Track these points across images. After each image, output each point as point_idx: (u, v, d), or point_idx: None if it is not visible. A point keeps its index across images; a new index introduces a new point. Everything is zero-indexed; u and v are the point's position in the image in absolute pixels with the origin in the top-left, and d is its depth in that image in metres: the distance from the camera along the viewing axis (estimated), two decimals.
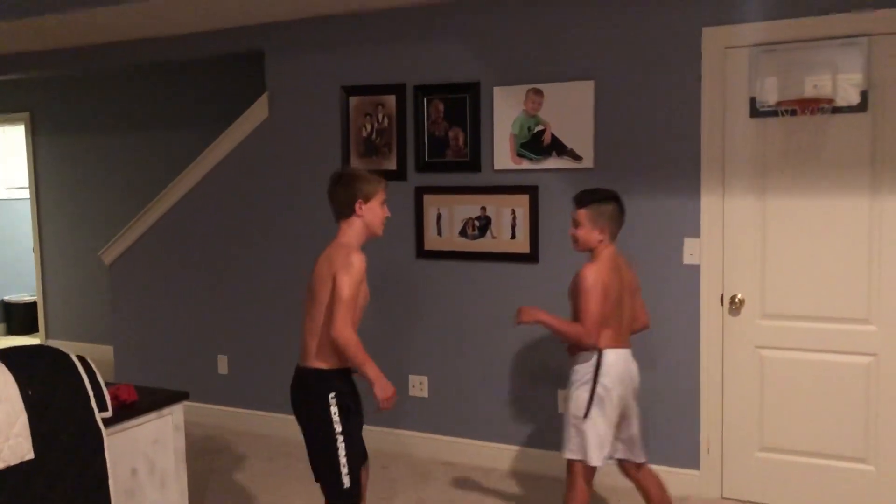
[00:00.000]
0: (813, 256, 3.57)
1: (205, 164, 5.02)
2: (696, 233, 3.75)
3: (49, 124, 7.08)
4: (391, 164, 4.39)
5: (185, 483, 3.17)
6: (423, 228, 4.34)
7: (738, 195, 3.66)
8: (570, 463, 3.04)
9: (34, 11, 4.38)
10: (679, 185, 3.76)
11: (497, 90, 4.08)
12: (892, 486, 3.51)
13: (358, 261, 2.77)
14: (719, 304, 3.73)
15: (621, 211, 3.03)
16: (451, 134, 4.23)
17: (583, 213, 2.99)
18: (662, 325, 3.84)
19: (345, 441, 2.78)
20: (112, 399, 2.76)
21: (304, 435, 2.90)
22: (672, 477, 3.87)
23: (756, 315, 3.68)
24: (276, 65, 4.71)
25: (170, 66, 6.09)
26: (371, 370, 2.75)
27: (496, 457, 4.27)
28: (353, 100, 4.47)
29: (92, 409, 2.48)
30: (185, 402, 3.19)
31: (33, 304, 7.69)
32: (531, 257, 4.07)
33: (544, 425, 4.14)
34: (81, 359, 2.55)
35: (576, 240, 3.03)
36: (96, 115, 6.81)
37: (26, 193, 7.49)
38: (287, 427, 2.92)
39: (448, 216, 4.27)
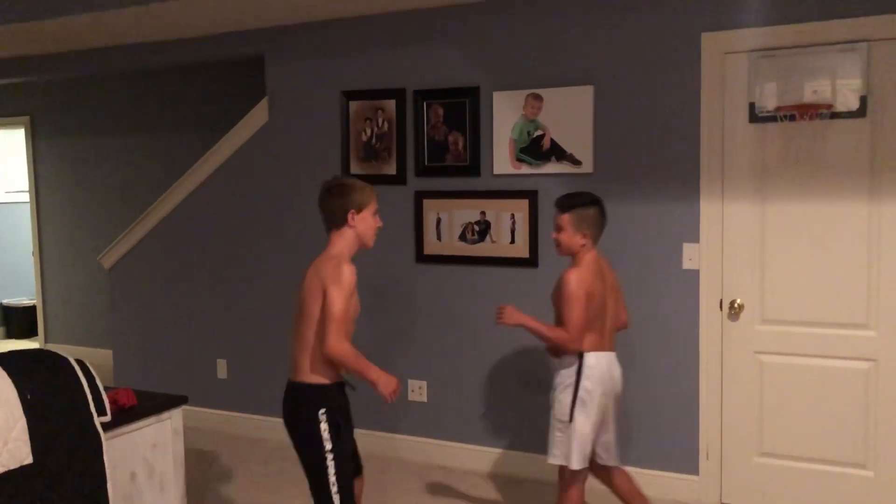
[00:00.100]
0: (812, 262, 3.57)
1: (205, 168, 5.02)
2: (695, 238, 3.75)
3: (49, 128, 7.09)
4: (391, 169, 4.39)
5: (183, 487, 3.17)
6: (423, 233, 4.34)
7: (738, 200, 3.67)
8: (562, 467, 3.06)
9: (34, 15, 4.38)
10: (678, 190, 3.76)
11: (496, 95, 4.09)
12: (891, 492, 3.50)
13: (348, 273, 2.71)
14: (718, 309, 3.73)
15: (603, 214, 3.06)
16: (450, 138, 4.24)
17: (566, 218, 3.01)
18: (661, 330, 3.84)
19: (334, 459, 2.72)
20: (111, 403, 2.76)
21: (296, 450, 2.84)
22: (671, 482, 3.87)
23: (755, 320, 3.69)
24: (277, 69, 4.72)
25: (170, 69, 6.10)
26: (371, 373, 2.73)
27: (495, 462, 4.27)
28: (353, 104, 4.48)
29: (91, 414, 2.47)
30: (185, 407, 3.18)
31: (32, 308, 7.69)
32: (530, 262, 4.07)
33: (544, 430, 4.12)
34: (80, 363, 2.55)
35: (559, 244, 3.06)
36: (96, 118, 6.82)
37: (26, 197, 7.49)
38: (285, 431, 2.92)
39: (447, 221, 4.27)
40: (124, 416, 2.88)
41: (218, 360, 5.09)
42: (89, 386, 2.50)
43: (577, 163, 3.93)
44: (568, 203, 3.03)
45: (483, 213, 4.18)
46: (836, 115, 3.45)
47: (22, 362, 2.39)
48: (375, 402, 4.51)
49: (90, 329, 6.97)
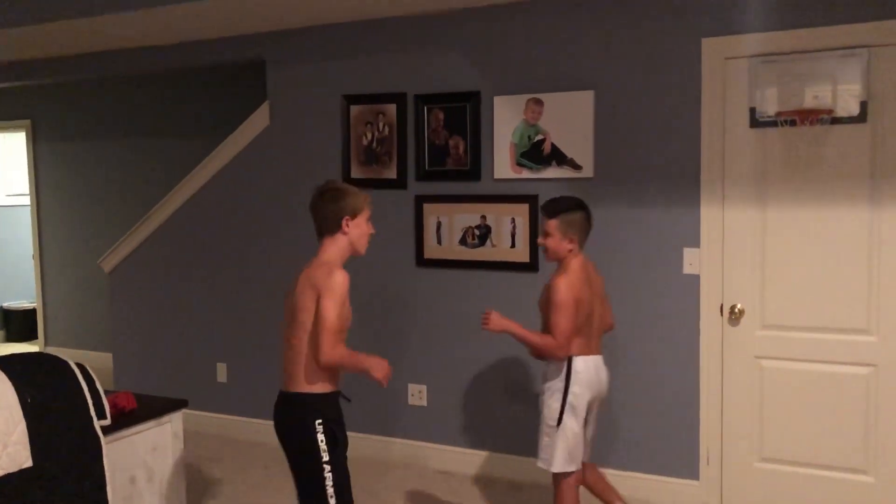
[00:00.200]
0: (813, 266, 3.57)
1: (205, 172, 5.02)
2: (695, 243, 3.75)
3: (50, 132, 7.09)
4: (391, 173, 4.40)
5: (183, 491, 3.17)
6: (423, 237, 4.34)
7: (738, 205, 3.67)
8: (554, 473, 3.07)
9: (35, 19, 4.39)
10: (679, 195, 3.76)
11: (497, 99, 4.09)
12: (892, 498, 3.50)
13: (341, 280, 2.64)
14: (719, 314, 3.73)
15: (589, 219, 3.07)
16: (451, 143, 4.24)
17: (553, 224, 3.01)
18: (662, 335, 3.84)
19: (332, 470, 2.66)
20: (111, 407, 2.76)
21: (290, 463, 2.78)
22: (671, 487, 3.86)
23: (756, 325, 3.68)
24: (277, 73, 4.73)
25: (171, 74, 6.10)
26: (364, 363, 2.69)
27: (496, 466, 4.26)
28: (354, 108, 4.49)
29: (91, 417, 2.48)
30: (184, 410, 3.19)
31: (32, 311, 7.69)
32: (531, 266, 4.07)
33: None
34: (80, 366, 2.55)
35: (546, 249, 3.06)
36: (97, 122, 6.82)
37: (27, 200, 7.50)
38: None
39: (448, 225, 4.27)
40: (124, 419, 2.88)
41: (218, 364, 5.08)
42: (89, 389, 2.51)
43: (577, 167, 3.94)
44: (554, 209, 3.03)
45: (483, 217, 4.18)
46: (836, 121, 3.46)
47: (22, 365, 2.39)
48: (375, 405, 4.53)
49: (90, 332, 6.97)
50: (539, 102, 4.00)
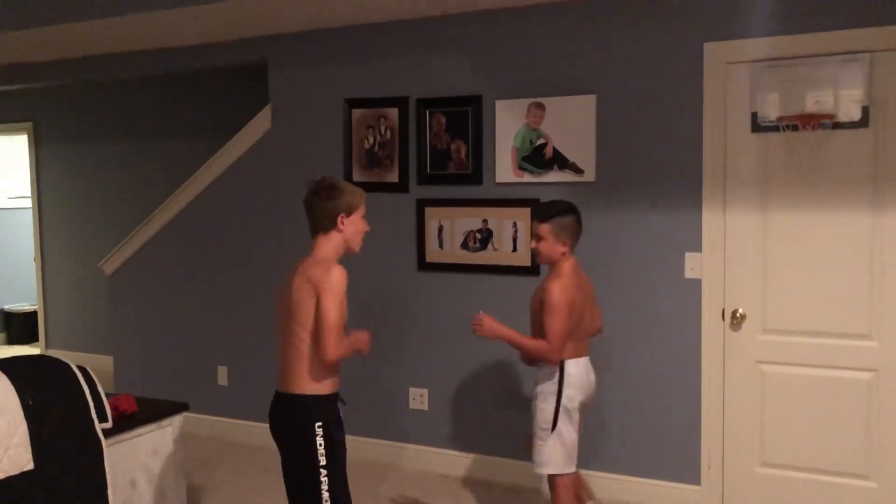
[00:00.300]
0: (814, 271, 3.57)
1: (207, 175, 5.03)
2: (697, 247, 3.75)
3: (52, 134, 7.10)
4: (393, 177, 4.40)
5: (184, 494, 3.17)
6: (425, 241, 4.34)
7: (740, 210, 3.67)
8: (550, 477, 3.09)
9: (36, 22, 4.40)
10: (680, 200, 3.76)
11: (499, 103, 4.09)
12: (893, 503, 3.49)
13: (339, 277, 2.62)
14: (720, 318, 3.73)
15: (580, 222, 3.09)
16: (453, 147, 4.24)
17: (546, 228, 3.02)
18: (663, 339, 3.84)
19: (328, 475, 2.63)
20: (112, 410, 2.76)
21: (284, 465, 2.74)
22: (672, 492, 3.86)
23: (757, 330, 3.68)
24: (280, 76, 4.73)
25: (173, 76, 6.11)
26: (355, 346, 2.70)
27: (497, 471, 4.26)
28: (356, 112, 4.49)
29: (92, 420, 2.48)
30: (185, 413, 3.19)
31: (33, 314, 7.69)
32: (532, 270, 4.07)
33: None
34: (82, 369, 2.55)
35: (539, 253, 3.07)
36: (99, 125, 6.83)
37: (28, 203, 7.50)
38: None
39: (449, 229, 4.27)
40: (125, 422, 2.88)
41: (219, 367, 5.08)
42: (91, 392, 2.51)
43: (579, 171, 3.94)
44: (546, 213, 3.05)
45: (485, 221, 4.18)
46: (838, 126, 3.46)
47: (24, 368, 2.39)
48: (376, 409, 4.53)
49: (91, 335, 6.97)
50: (541, 107, 4.00)
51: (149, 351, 5.35)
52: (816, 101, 3.43)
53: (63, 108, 6.99)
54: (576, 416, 3.05)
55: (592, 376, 3.14)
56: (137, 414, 2.98)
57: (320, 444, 2.63)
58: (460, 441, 4.37)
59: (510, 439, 4.22)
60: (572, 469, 3.06)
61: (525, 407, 4.14)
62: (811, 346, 3.59)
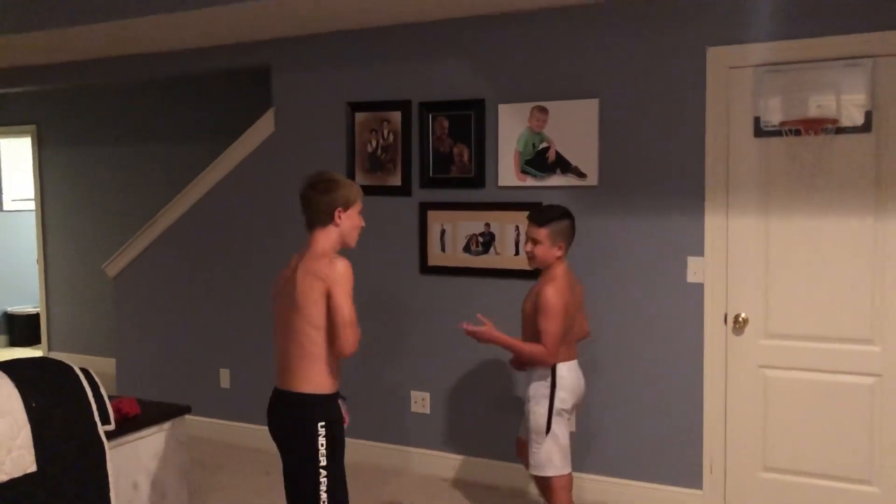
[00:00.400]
0: (817, 276, 3.56)
1: (210, 178, 5.04)
2: (699, 251, 3.75)
3: (55, 137, 7.12)
4: (396, 180, 4.40)
5: (185, 497, 3.17)
6: (427, 244, 4.34)
7: (742, 214, 3.67)
8: (545, 479, 3.11)
9: (41, 25, 4.41)
10: (683, 204, 3.76)
11: (502, 107, 4.10)
12: None
13: (346, 269, 2.59)
14: (723, 322, 3.73)
15: (574, 227, 3.14)
16: (455, 150, 4.25)
17: (543, 232, 3.07)
18: (665, 344, 3.84)
19: (328, 476, 2.61)
20: (115, 412, 2.76)
21: (285, 463, 2.73)
22: (674, 496, 3.85)
23: (759, 334, 3.68)
24: (283, 80, 4.74)
25: (176, 79, 6.12)
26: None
27: (499, 474, 4.25)
28: (359, 115, 4.50)
29: (95, 422, 2.48)
30: (187, 416, 3.19)
31: (36, 316, 7.70)
32: (534, 274, 4.05)
33: None
34: (85, 371, 2.56)
35: (534, 257, 3.12)
36: (102, 128, 6.84)
37: (32, 205, 7.52)
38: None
39: (452, 232, 4.28)
40: (128, 425, 2.88)
41: (221, 370, 5.08)
42: (94, 395, 2.51)
43: (582, 175, 3.94)
44: (543, 217, 3.10)
45: (487, 224, 4.18)
46: (840, 130, 3.46)
47: (27, 370, 2.40)
48: (377, 413, 4.53)
49: (93, 337, 6.98)
50: (544, 110, 4.00)
51: (151, 353, 5.36)
52: (819, 105, 3.44)
53: (66, 111, 7.01)
54: (566, 417, 3.10)
55: (582, 379, 3.18)
56: (140, 416, 2.98)
57: (322, 445, 2.61)
58: (462, 444, 4.37)
59: (513, 443, 4.22)
60: (568, 470, 3.11)
61: None
62: (814, 350, 3.58)
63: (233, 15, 4.12)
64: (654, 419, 3.89)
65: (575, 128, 3.94)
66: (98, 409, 2.50)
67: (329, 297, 2.57)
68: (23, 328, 7.88)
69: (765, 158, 3.62)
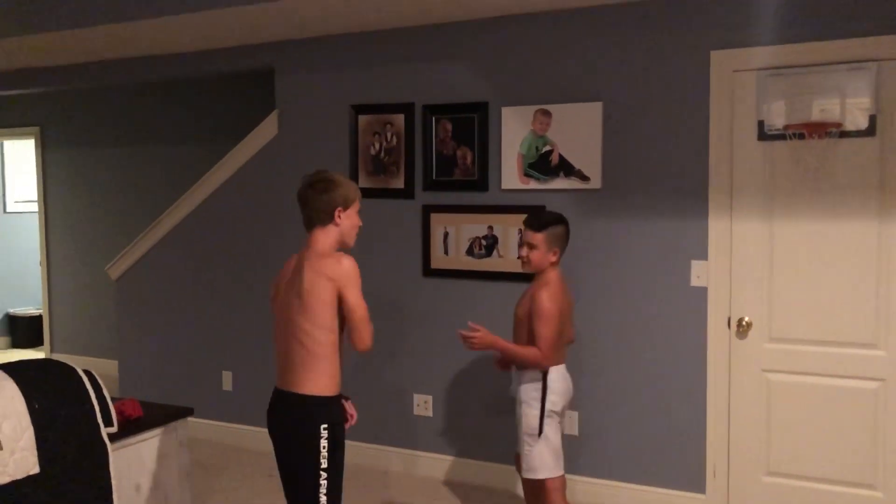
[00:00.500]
0: (820, 280, 3.56)
1: (213, 181, 5.04)
2: (703, 255, 3.74)
3: (58, 139, 7.13)
4: (399, 183, 4.40)
5: (188, 499, 3.16)
6: (430, 247, 4.34)
7: (746, 218, 3.66)
8: (538, 482, 3.13)
9: (44, 28, 4.42)
10: (686, 208, 3.76)
11: (505, 110, 4.10)
12: None
13: (353, 266, 2.61)
14: (726, 326, 3.72)
15: (569, 233, 3.19)
16: (458, 153, 4.25)
17: (540, 237, 3.11)
18: (669, 347, 3.83)
19: (328, 478, 2.61)
20: (118, 414, 2.76)
21: (283, 464, 2.72)
22: (677, 500, 3.84)
23: (763, 338, 3.67)
24: (286, 82, 4.75)
25: (180, 82, 6.13)
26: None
27: (500, 478, 4.25)
28: (362, 118, 4.50)
29: (98, 424, 2.48)
30: (190, 418, 3.18)
31: (39, 318, 7.70)
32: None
33: None
34: (88, 373, 2.55)
35: (529, 261, 3.15)
36: (105, 129, 6.86)
37: (34, 207, 7.53)
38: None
39: (455, 235, 4.28)
40: (130, 427, 2.88)
41: (223, 372, 5.08)
42: (97, 396, 2.51)
43: (585, 179, 3.94)
44: (540, 223, 3.14)
45: (490, 227, 4.18)
46: (844, 134, 3.45)
47: (31, 372, 2.40)
48: (380, 415, 4.52)
49: (96, 339, 6.98)
50: (547, 114, 4.00)
51: (154, 355, 5.36)
52: (823, 109, 3.43)
53: (70, 113, 7.02)
54: (557, 419, 3.13)
55: (570, 383, 3.21)
56: (142, 419, 2.97)
57: (324, 447, 2.60)
58: (465, 447, 4.36)
59: (515, 446, 4.21)
60: (561, 471, 3.13)
61: None
62: (818, 354, 3.58)
63: (236, 17, 4.13)
64: (656, 423, 3.88)
65: (578, 131, 3.94)
66: (101, 411, 2.50)
67: (342, 298, 2.59)
68: (25, 330, 7.89)
69: (768, 162, 3.61)
